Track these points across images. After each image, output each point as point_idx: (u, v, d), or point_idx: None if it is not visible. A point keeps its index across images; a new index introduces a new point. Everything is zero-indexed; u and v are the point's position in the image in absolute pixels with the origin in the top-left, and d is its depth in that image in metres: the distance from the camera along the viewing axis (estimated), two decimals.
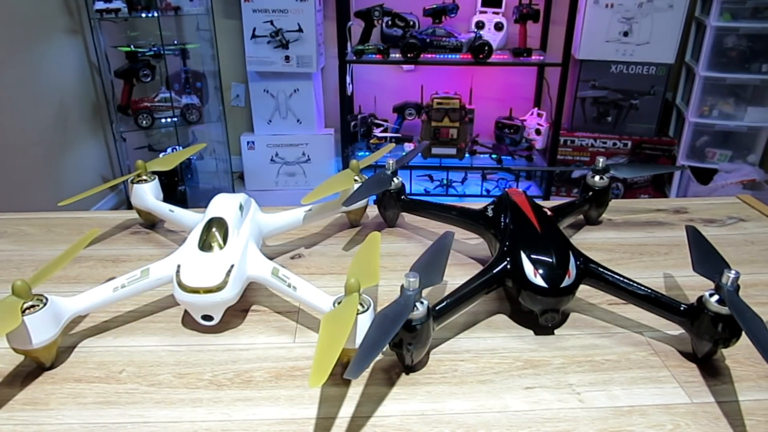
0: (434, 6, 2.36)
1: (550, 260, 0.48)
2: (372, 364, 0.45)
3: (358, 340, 0.42)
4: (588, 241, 0.66)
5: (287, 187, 2.72)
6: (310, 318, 0.52)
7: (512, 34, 2.50)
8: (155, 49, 2.34)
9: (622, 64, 2.41)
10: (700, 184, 2.44)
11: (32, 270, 0.60)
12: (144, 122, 2.39)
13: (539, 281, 0.47)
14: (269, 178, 2.71)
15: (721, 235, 0.67)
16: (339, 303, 0.44)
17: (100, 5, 2.15)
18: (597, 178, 0.67)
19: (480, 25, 2.47)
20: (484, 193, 2.56)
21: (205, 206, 0.55)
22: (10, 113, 1.93)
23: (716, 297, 0.43)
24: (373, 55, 2.35)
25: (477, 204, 0.63)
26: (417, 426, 0.40)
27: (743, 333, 0.40)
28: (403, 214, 0.69)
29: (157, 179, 0.67)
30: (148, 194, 0.65)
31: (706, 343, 0.44)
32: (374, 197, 0.67)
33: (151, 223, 0.69)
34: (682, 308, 0.46)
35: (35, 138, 2.08)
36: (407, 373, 0.45)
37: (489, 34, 2.43)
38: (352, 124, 2.54)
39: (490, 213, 0.58)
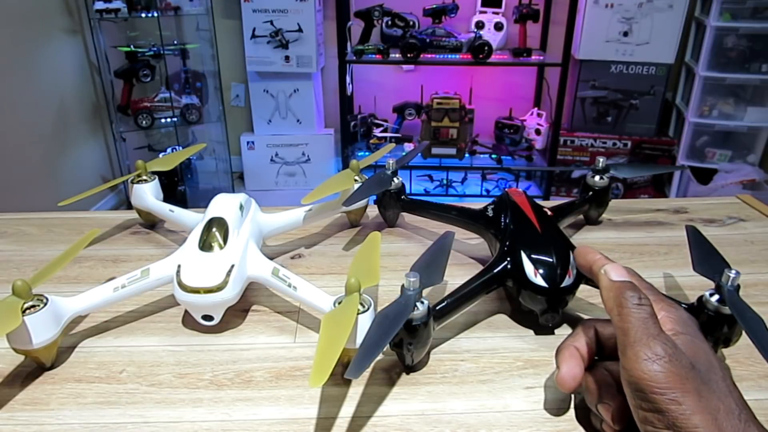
0: (434, 6, 2.36)
1: (551, 260, 0.48)
2: (372, 364, 0.45)
3: (359, 340, 0.42)
4: (588, 241, 0.66)
5: (287, 187, 2.72)
6: (311, 318, 0.52)
7: (512, 34, 2.51)
8: (155, 49, 2.34)
9: (622, 64, 2.41)
10: (700, 184, 2.45)
11: (32, 270, 0.60)
12: (144, 122, 2.39)
13: (539, 281, 0.47)
14: (269, 178, 2.71)
15: (721, 235, 0.67)
16: (339, 303, 0.44)
17: (100, 5, 2.15)
18: (597, 178, 0.67)
19: (480, 25, 2.47)
20: (484, 193, 2.56)
21: (205, 206, 0.55)
22: (10, 113, 1.93)
23: (716, 297, 0.43)
24: (373, 55, 2.35)
25: (477, 204, 0.63)
26: (417, 426, 0.40)
27: (743, 333, 0.40)
28: (403, 214, 0.69)
29: (157, 179, 0.67)
30: (148, 194, 0.65)
31: None
32: (374, 197, 0.67)
33: (151, 223, 0.69)
34: (682, 308, 0.46)
35: (35, 138, 2.08)
36: (407, 373, 0.45)
37: (489, 34, 2.43)
38: (352, 124, 2.54)
39: (490, 213, 0.58)
